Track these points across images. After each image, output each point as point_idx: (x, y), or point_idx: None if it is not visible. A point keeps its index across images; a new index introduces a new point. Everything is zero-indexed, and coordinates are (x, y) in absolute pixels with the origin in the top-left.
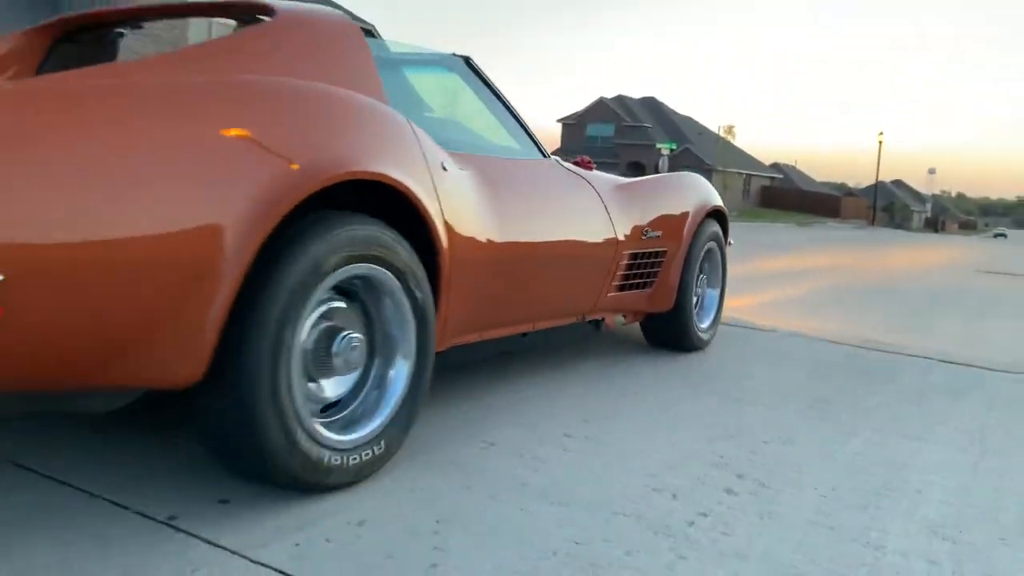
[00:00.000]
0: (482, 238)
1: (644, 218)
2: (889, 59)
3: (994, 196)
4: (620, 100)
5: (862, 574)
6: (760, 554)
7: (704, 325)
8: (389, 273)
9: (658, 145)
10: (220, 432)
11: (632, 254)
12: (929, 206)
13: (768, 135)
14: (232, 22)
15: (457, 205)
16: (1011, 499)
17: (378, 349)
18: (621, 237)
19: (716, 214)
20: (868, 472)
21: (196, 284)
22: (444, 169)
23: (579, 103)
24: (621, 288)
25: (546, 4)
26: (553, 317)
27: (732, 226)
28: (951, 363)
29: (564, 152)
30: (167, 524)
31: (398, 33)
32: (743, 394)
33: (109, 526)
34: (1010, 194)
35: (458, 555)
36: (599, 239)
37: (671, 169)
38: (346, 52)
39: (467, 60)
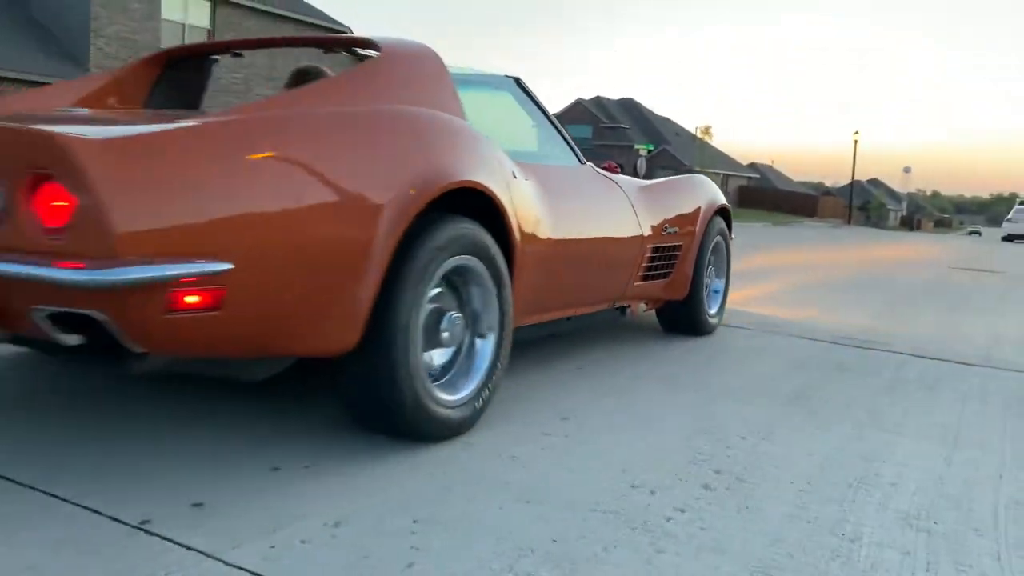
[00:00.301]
0: (542, 235)
1: (663, 216)
2: (865, 59)
3: (968, 194)
4: (598, 101)
5: (837, 566)
6: (737, 548)
7: (712, 311)
8: (481, 263)
9: (636, 146)
10: (364, 393)
11: (654, 248)
12: (905, 204)
13: (745, 135)
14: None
15: (524, 207)
16: (984, 490)
17: (470, 326)
18: (646, 233)
19: (722, 212)
20: (844, 465)
21: (361, 267)
22: (514, 177)
23: (557, 105)
24: (645, 278)
25: (523, 7)
26: (592, 303)
27: None
28: (926, 358)
29: None
30: (140, 528)
31: (381, 32)
32: (720, 390)
33: (81, 531)
34: (984, 192)
35: (435, 554)
36: (629, 235)
37: (649, 170)
38: (436, 79)
39: (518, 80)
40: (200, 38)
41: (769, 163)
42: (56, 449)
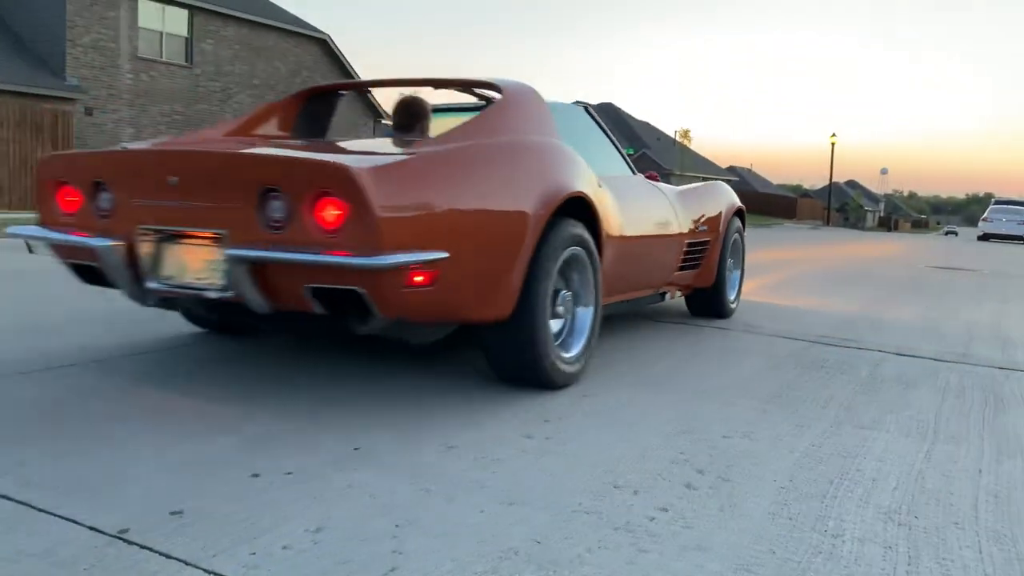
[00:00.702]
0: (616, 233)
1: (695, 217)
2: (841, 61)
3: (944, 195)
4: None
5: (820, 562)
6: (720, 546)
7: (732, 297)
8: (584, 253)
9: None
10: (512, 353)
11: (689, 243)
12: (882, 205)
13: (724, 139)
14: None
15: (607, 210)
16: (963, 483)
17: (575, 301)
18: (684, 231)
19: (739, 212)
20: (824, 462)
21: (520, 256)
22: (600, 187)
23: None
24: (681, 268)
25: (503, 14)
26: (646, 288)
27: None
28: (903, 355)
29: None
30: (119, 538)
31: (357, 39)
32: (702, 390)
33: (59, 541)
34: (959, 192)
35: (417, 558)
36: (672, 232)
37: None
38: (543, 112)
39: (586, 107)
40: (178, 47)
41: (748, 166)
42: (29, 457)
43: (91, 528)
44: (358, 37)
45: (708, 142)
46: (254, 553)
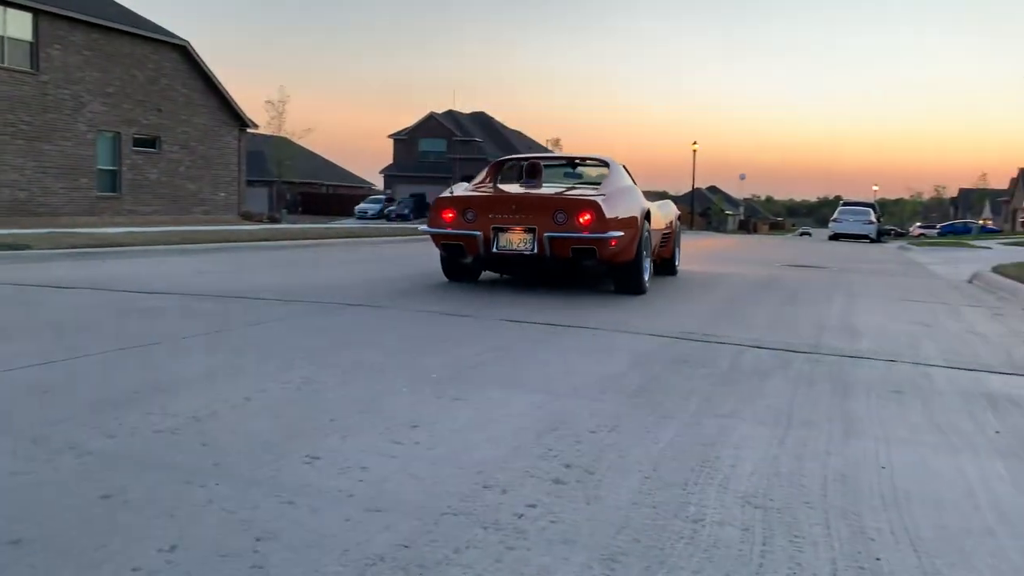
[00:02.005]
0: (653, 228)
1: (665, 219)
2: (703, 69)
3: (799, 198)
4: (451, 115)
5: (682, 546)
6: (586, 537)
7: (677, 264)
8: (648, 236)
9: (490, 159)
10: (633, 278)
11: (663, 234)
12: (742, 209)
13: (593, 147)
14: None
15: (652, 217)
16: (813, 465)
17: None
18: (661, 227)
19: (678, 217)
20: (686, 452)
21: (637, 236)
22: (649, 205)
23: (410, 119)
24: (661, 246)
25: (374, 20)
26: (653, 254)
27: None
28: (760, 347)
29: (396, 166)
30: None
31: (215, 47)
32: (570, 389)
33: None
34: (812, 195)
35: (279, 572)
36: (661, 227)
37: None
38: (626, 171)
39: (610, 161)
40: (22, 52)
41: None
42: None
43: None
44: (219, 42)
45: (580, 150)
46: None
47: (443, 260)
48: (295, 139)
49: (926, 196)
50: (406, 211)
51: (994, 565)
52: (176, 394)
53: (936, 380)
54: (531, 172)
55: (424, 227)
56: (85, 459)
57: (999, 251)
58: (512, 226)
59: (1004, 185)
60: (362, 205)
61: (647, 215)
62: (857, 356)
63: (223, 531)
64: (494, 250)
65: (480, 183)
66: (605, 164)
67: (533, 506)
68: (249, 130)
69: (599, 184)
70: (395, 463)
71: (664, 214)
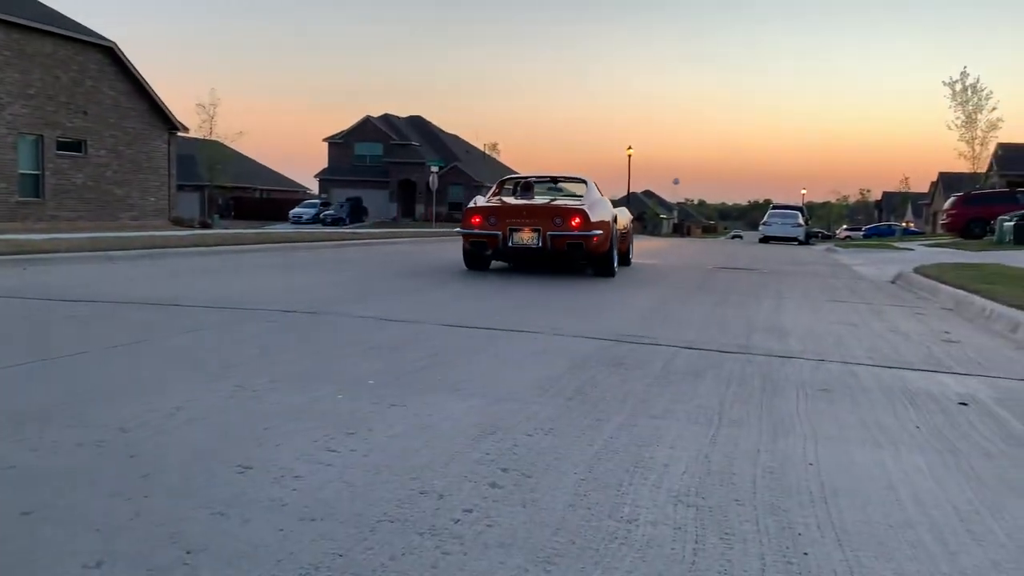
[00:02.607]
0: (618, 228)
1: (624, 221)
2: (634, 77)
3: (730, 202)
4: (387, 119)
5: (616, 546)
6: (522, 540)
7: (632, 258)
8: (617, 234)
9: (427, 163)
10: (607, 265)
11: (622, 233)
12: (676, 213)
13: (530, 152)
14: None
15: (618, 220)
16: (743, 463)
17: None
18: (621, 227)
19: (631, 221)
20: (622, 453)
21: (610, 232)
22: (615, 211)
23: (345, 123)
24: (621, 242)
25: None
26: (619, 249)
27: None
28: (693, 348)
29: (332, 170)
30: None
31: (145, 49)
32: (507, 392)
33: None
34: (743, 199)
35: None
36: (621, 227)
37: (441, 186)
38: (597, 187)
39: (587, 179)
40: None
41: None
42: None
43: None
44: (148, 44)
45: (516, 154)
46: None
47: (467, 253)
48: (227, 143)
49: (852, 199)
50: (342, 215)
51: (913, 556)
52: (103, 405)
53: (861, 378)
54: (526, 188)
55: (458, 229)
56: (7, 474)
57: (921, 252)
58: (523, 227)
59: (924, 189)
60: (297, 209)
61: (615, 219)
62: (786, 356)
63: (151, 545)
64: (509, 245)
65: (491, 196)
66: (583, 182)
67: (470, 511)
68: (179, 134)
69: (580, 197)
70: (330, 471)
71: (623, 218)
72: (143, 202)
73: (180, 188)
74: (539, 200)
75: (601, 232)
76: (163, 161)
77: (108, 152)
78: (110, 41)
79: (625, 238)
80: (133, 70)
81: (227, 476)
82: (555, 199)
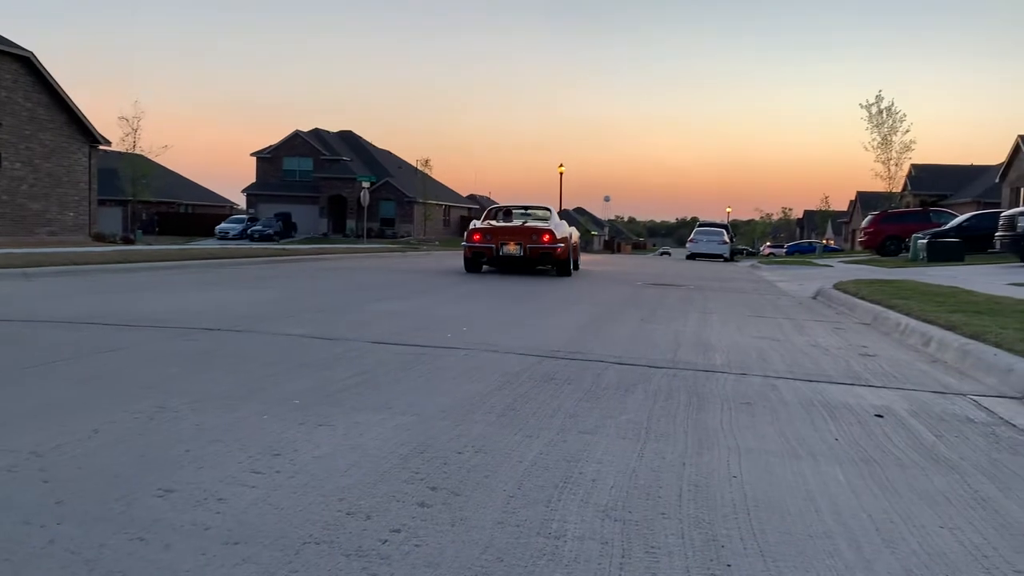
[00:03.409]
0: (571, 242)
1: (575, 237)
2: (570, 94)
3: (659, 219)
4: (317, 134)
5: (544, 563)
6: (451, 560)
7: (579, 264)
8: (573, 246)
9: (359, 179)
10: (566, 268)
11: (572, 246)
12: (607, 230)
13: (465, 168)
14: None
15: (572, 236)
16: (669, 477)
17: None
18: (572, 241)
19: (580, 236)
20: (550, 468)
21: (571, 244)
22: (570, 230)
23: (274, 137)
24: (571, 253)
25: (235, 37)
26: (572, 258)
27: (439, 253)
28: (622, 364)
29: (260, 185)
30: None
31: (64, 60)
32: (438, 411)
33: None
34: (671, 216)
35: None
36: (573, 242)
37: (373, 201)
38: (556, 213)
39: (550, 208)
40: None
41: (487, 195)
42: None
43: None
44: (68, 55)
45: (449, 171)
46: None
47: (467, 260)
48: (151, 156)
49: (775, 217)
50: (270, 231)
51: (831, 566)
52: (16, 428)
53: (783, 391)
54: (507, 213)
55: (463, 243)
56: None
57: (840, 269)
58: (510, 242)
59: (844, 207)
60: (223, 225)
61: (570, 236)
62: (711, 370)
63: (66, 573)
64: (499, 254)
65: (485, 219)
66: (548, 209)
67: (398, 531)
68: (101, 147)
69: (546, 220)
70: (255, 493)
71: (575, 235)
72: (62, 217)
73: (101, 203)
74: (518, 223)
75: (563, 245)
76: (83, 175)
77: (24, 165)
78: (27, 50)
79: (576, 250)
80: (52, 81)
81: (147, 500)
82: (527, 222)
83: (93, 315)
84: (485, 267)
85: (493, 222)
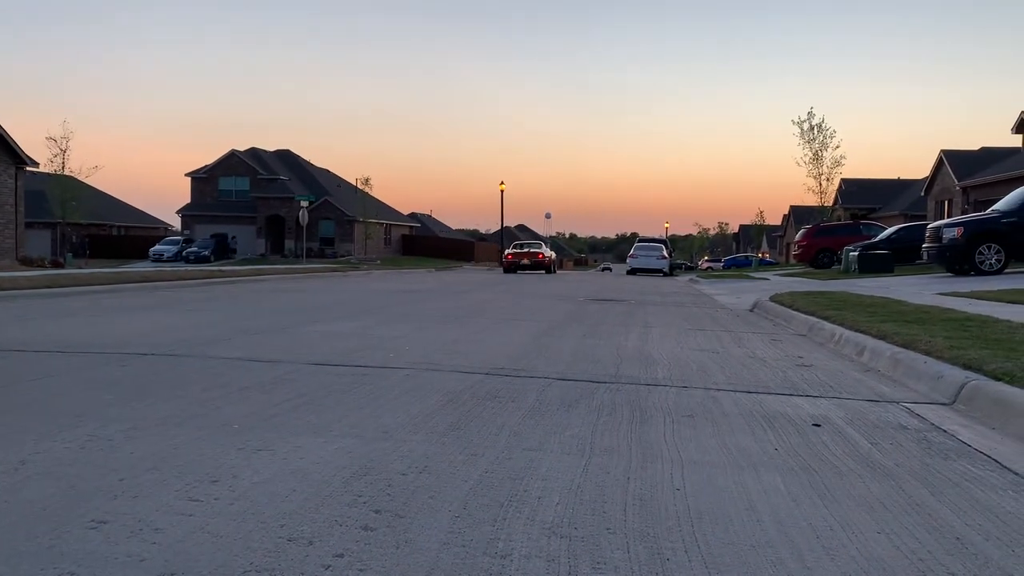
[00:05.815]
0: (553, 258)
1: (554, 255)
2: (509, 110)
3: (599, 235)
4: (254, 153)
5: None
6: None
7: (557, 272)
8: (556, 261)
9: (297, 198)
10: (552, 270)
11: (552, 259)
12: (548, 246)
13: (404, 187)
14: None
15: (551, 253)
16: (614, 491)
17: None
18: (551, 256)
19: (557, 252)
20: (496, 487)
21: (552, 258)
22: (551, 252)
23: (210, 156)
24: (555, 263)
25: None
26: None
27: (381, 273)
28: (566, 380)
29: (195, 206)
30: None
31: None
32: (379, 432)
33: None
34: (612, 232)
35: None
36: (552, 257)
37: (312, 220)
38: (546, 240)
39: (544, 237)
40: None
41: (428, 212)
42: None
43: None
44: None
45: (389, 189)
46: None
47: (505, 268)
48: (81, 178)
49: (712, 232)
50: (206, 252)
51: (774, 574)
52: None
53: (723, 403)
54: (520, 245)
55: (503, 260)
56: None
57: (776, 281)
58: (525, 258)
59: (778, 221)
60: (158, 247)
61: (554, 254)
62: (653, 384)
63: None
64: (521, 263)
65: (515, 245)
66: (542, 240)
67: (341, 556)
68: (28, 168)
69: (542, 247)
70: (192, 521)
71: (554, 254)
72: None
73: (29, 226)
74: (527, 250)
75: (549, 258)
76: (9, 197)
77: None
78: None
79: (554, 260)
80: None
81: (79, 532)
82: (531, 248)
83: (21, 342)
84: (518, 271)
85: (516, 250)
